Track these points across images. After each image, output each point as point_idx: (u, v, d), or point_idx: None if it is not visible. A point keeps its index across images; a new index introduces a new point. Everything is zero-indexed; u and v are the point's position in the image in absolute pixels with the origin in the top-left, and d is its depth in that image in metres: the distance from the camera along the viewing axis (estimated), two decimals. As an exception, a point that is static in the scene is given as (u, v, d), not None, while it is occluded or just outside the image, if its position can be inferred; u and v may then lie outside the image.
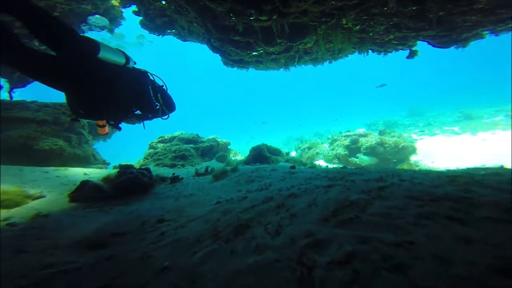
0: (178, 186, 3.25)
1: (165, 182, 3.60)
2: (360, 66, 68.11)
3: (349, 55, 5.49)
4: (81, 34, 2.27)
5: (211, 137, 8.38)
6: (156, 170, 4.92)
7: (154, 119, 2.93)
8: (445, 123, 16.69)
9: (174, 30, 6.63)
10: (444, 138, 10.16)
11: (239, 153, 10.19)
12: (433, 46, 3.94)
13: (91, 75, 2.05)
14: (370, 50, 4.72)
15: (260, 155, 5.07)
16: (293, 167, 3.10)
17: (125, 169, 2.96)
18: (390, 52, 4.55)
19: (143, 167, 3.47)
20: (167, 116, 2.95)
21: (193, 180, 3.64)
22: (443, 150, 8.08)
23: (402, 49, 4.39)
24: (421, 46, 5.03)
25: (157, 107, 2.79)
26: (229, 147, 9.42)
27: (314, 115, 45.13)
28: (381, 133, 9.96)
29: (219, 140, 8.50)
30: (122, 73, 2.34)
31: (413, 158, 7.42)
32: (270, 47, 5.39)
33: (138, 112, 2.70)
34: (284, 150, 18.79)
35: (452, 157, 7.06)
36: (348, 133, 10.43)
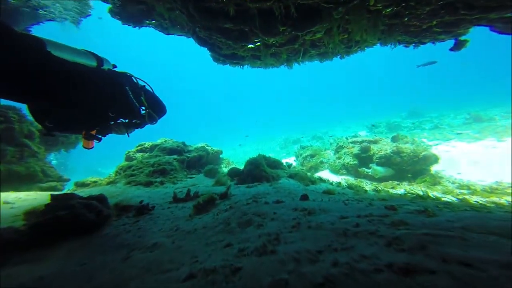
0: (143, 223, 2.39)
1: (128, 214, 2.73)
2: (354, 63, 68.92)
3: (366, 48, 4.75)
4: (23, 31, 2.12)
5: (199, 145, 7.52)
6: (124, 191, 4.03)
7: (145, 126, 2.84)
8: (453, 125, 16.26)
9: (154, 21, 5.79)
10: (463, 144, 9.50)
11: (232, 162, 9.34)
12: (500, 33, 3.16)
13: (41, 76, 1.71)
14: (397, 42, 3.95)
15: (257, 169, 4.25)
16: (305, 197, 2.29)
17: (59, 201, 2.09)
18: (425, 43, 3.80)
19: (95, 194, 2.60)
20: (155, 121, 2.83)
21: (167, 211, 2.78)
22: (467, 158, 7.38)
23: (442, 40, 3.62)
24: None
25: (143, 111, 2.66)
26: (221, 156, 8.57)
27: (310, 115, 45.08)
28: (394, 139, 9.27)
29: (209, 148, 7.65)
30: (91, 75, 2.09)
31: (433, 168, 6.70)
32: (270, 37, 4.59)
33: (123, 120, 2.58)
34: (281, 154, 18.10)
35: (481, 167, 6.34)
36: (355, 139, 9.71)
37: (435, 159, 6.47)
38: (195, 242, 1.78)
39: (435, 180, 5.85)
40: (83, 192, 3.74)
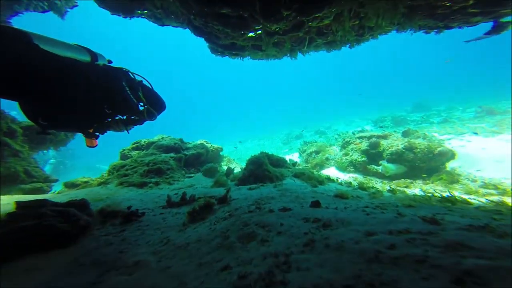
0: (128, 234, 2.10)
1: (114, 221, 2.45)
2: (354, 57, 68.18)
3: (379, 35, 4.33)
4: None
5: (198, 142, 7.21)
6: (115, 193, 3.76)
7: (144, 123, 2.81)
8: (463, 119, 15.72)
9: (146, 11, 5.44)
10: (479, 138, 9.07)
11: (233, 160, 9.05)
12: None
13: (29, 71, 1.62)
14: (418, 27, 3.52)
15: (260, 169, 3.94)
16: (316, 204, 1.98)
17: (26, 209, 1.80)
18: (452, 28, 3.36)
19: (78, 198, 2.32)
20: (154, 117, 2.82)
21: (158, 218, 2.49)
22: (486, 153, 6.99)
23: (476, 23, 3.17)
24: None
25: (141, 107, 2.64)
26: (221, 153, 8.28)
27: (311, 109, 44.78)
28: (405, 133, 8.88)
29: (209, 145, 7.35)
30: (84, 70, 2.02)
31: (448, 165, 6.33)
32: (273, 24, 4.22)
33: (121, 117, 2.57)
34: (284, 150, 17.75)
35: (503, 163, 5.95)
36: (362, 134, 9.32)
37: (452, 155, 6.10)
38: (186, 261, 1.48)
39: (453, 178, 5.49)
40: (69, 195, 3.48)
